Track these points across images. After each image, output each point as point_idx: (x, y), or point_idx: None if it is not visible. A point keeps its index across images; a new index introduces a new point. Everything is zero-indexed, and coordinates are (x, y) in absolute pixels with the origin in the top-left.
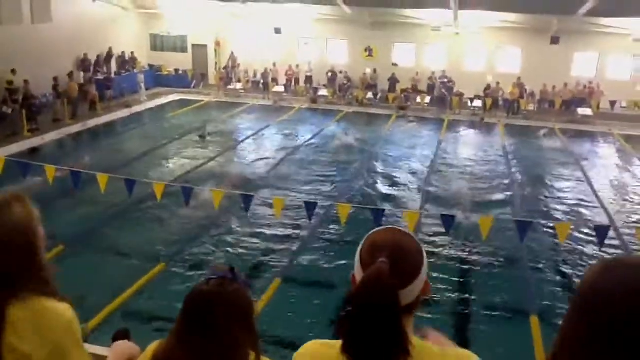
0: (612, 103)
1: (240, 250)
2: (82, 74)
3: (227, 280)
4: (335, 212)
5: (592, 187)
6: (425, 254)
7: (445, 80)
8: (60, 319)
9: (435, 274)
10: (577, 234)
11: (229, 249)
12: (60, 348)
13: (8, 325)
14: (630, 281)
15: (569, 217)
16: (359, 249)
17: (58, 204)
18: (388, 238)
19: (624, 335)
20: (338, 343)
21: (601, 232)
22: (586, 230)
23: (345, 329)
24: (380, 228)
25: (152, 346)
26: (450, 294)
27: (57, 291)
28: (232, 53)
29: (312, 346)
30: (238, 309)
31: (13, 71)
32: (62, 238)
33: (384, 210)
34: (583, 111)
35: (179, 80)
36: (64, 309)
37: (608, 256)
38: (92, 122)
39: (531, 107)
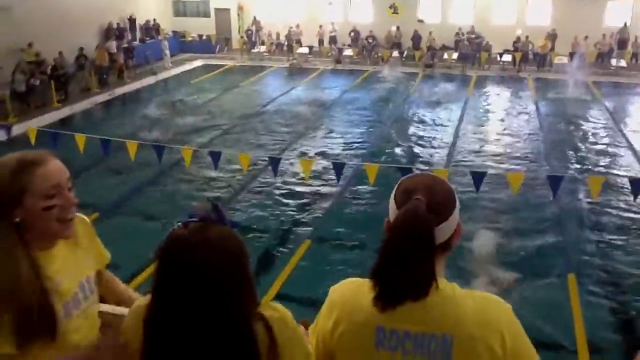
0: None
1: (271, 211)
2: (111, 42)
3: (210, 221)
4: (363, 171)
5: (626, 140)
6: (457, 197)
7: (473, 36)
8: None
9: (466, 228)
10: (610, 188)
11: (258, 210)
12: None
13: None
14: None
15: (602, 171)
16: (393, 193)
17: (90, 173)
18: (422, 180)
19: None
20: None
21: (636, 185)
22: (620, 184)
23: (379, 258)
24: (412, 174)
25: (141, 304)
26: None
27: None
28: (255, 17)
29: (348, 282)
30: (225, 256)
31: (30, 45)
32: (95, 206)
33: (411, 169)
34: (616, 62)
35: (202, 46)
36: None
37: None
38: (120, 91)
39: (562, 59)
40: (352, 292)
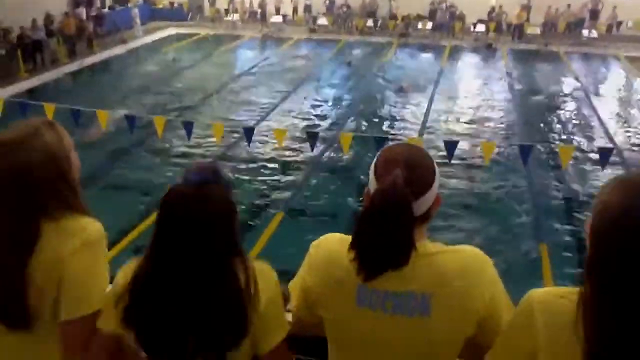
0: (619, 24)
1: (244, 182)
2: (80, 9)
3: (210, 180)
4: (337, 142)
5: (595, 110)
6: (437, 169)
7: (447, 5)
8: (83, 232)
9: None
10: (580, 157)
11: (232, 181)
12: (78, 259)
13: (40, 240)
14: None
15: (572, 140)
16: (373, 163)
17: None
18: (402, 151)
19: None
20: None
21: (604, 154)
22: (590, 154)
23: (358, 229)
24: (393, 144)
25: (130, 266)
26: (453, 222)
27: (88, 212)
28: None
29: (329, 237)
30: (219, 213)
31: None
32: None
33: (385, 138)
34: (588, 33)
35: (174, 14)
36: (89, 222)
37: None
38: (90, 60)
39: (535, 30)
40: (333, 249)
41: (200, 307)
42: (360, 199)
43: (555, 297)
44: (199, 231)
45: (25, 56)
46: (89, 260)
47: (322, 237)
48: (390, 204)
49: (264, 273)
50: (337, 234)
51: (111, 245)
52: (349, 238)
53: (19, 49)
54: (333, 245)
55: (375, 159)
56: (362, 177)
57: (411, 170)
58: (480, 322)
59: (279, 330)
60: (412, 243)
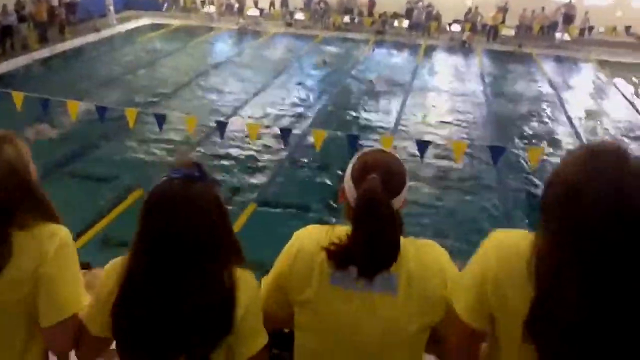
0: (590, 29)
1: (216, 174)
2: None
3: (193, 178)
4: (310, 138)
5: (565, 112)
6: (407, 173)
7: (424, 4)
8: (54, 238)
9: (410, 197)
10: (550, 159)
11: None
12: (51, 265)
13: (11, 248)
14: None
15: (542, 142)
16: (349, 166)
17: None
18: (378, 157)
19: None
20: (333, 228)
21: None
22: (559, 155)
23: (352, 241)
24: (369, 149)
25: (115, 267)
26: (425, 218)
27: (57, 217)
28: None
29: (310, 228)
30: (206, 211)
31: None
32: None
33: (357, 136)
34: (561, 36)
35: (149, 3)
36: (57, 228)
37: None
38: (61, 47)
39: (510, 31)
40: (313, 236)
41: (186, 305)
42: (332, 193)
43: (513, 236)
44: (186, 230)
45: None
46: (63, 264)
47: (304, 228)
48: (372, 206)
49: (246, 281)
50: (318, 225)
51: (78, 236)
52: (328, 228)
53: None
54: (314, 233)
55: (351, 165)
56: (333, 171)
57: (387, 174)
58: (446, 309)
59: (258, 337)
60: (398, 241)
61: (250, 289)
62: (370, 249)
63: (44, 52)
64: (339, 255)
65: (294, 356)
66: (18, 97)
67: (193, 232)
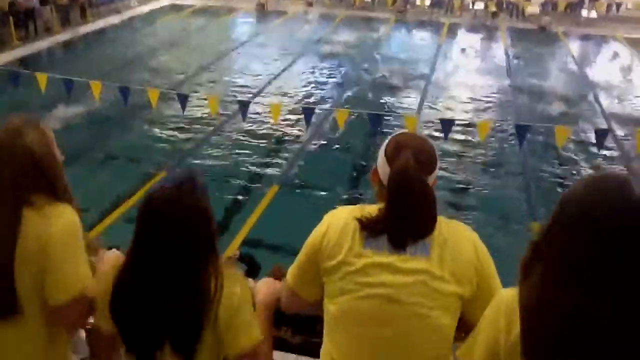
0: (618, 5)
1: (239, 156)
2: None
3: (184, 184)
4: (332, 119)
5: (593, 91)
6: (437, 156)
7: None
8: (60, 218)
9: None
10: (576, 138)
11: (226, 154)
12: (55, 244)
13: (22, 226)
14: (610, 194)
15: (569, 121)
16: (382, 147)
17: (52, 114)
18: (410, 138)
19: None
20: (363, 207)
21: (600, 135)
22: (586, 135)
23: (387, 213)
24: (401, 132)
25: (114, 258)
26: (447, 199)
27: (71, 199)
28: None
29: (342, 208)
30: (195, 217)
31: None
32: (60, 148)
33: (381, 115)
34: (587, 13)
35: None
36: (65, 208)
37: (604, 160)
38: (83, 30)
39: (535, 9)
40: (345, 213)
41: (172, 304)
42: (354, 174)
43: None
44: (174, 232)
45: (17, 24)
46: (68, 243)
47: (336, 209)
48: (406, 180)
49: (237, 280)
50: (347, 206)
51: (105, 214)
52: (359, 205)
53: (11, 17)
54: (345, 211)
55: (384, 144)
56: (356, 152)
57: (419, 154)
58: (478, 282)
59: (248, 336)
60: (435, 213)
61: (242, 290)
62: (402, 222)
63: (66, 35)
64: (371, 225)
65: (322, 328)
66: (42, 78)
67: (178, 239)
